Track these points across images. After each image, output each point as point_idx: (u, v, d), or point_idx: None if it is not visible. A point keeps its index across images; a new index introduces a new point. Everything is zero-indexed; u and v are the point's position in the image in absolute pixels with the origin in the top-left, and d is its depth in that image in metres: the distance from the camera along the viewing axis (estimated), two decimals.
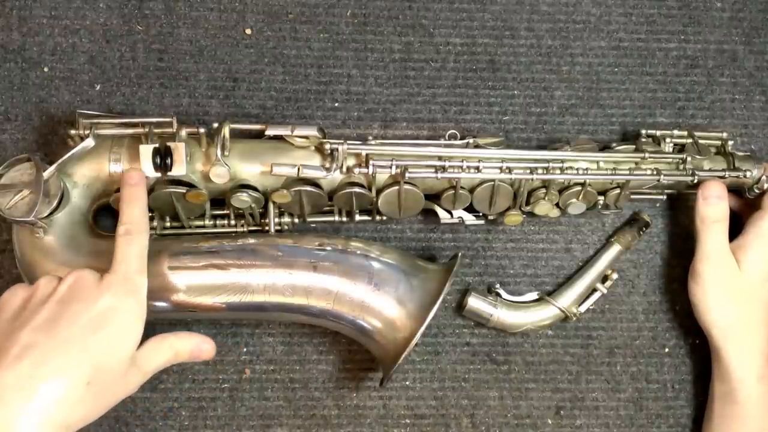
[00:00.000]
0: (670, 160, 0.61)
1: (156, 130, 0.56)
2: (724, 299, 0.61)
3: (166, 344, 0.52)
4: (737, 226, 0.63)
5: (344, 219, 0.63)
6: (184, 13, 0.66)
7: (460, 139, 0.62)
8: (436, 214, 0.62)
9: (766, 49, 0.69)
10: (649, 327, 0.67)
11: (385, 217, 0.62)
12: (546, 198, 0.61)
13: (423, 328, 0.55)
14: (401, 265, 0.58)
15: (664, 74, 0.69)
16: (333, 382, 0.65)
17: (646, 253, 0.68)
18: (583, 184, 0.60)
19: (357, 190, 0.58)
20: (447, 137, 0.63)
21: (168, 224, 0.61)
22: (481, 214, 0.63)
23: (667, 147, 0.63)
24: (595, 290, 0.66)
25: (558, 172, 0.60)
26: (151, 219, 0.59)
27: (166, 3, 0.66)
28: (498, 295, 0.65)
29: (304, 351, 0.65)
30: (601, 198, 0.62)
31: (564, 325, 0.67)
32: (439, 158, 0.58)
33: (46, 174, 0.53)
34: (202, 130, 0.56)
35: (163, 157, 0.55)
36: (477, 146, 0.61)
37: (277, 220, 0.61)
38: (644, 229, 0.66)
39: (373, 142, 0.59)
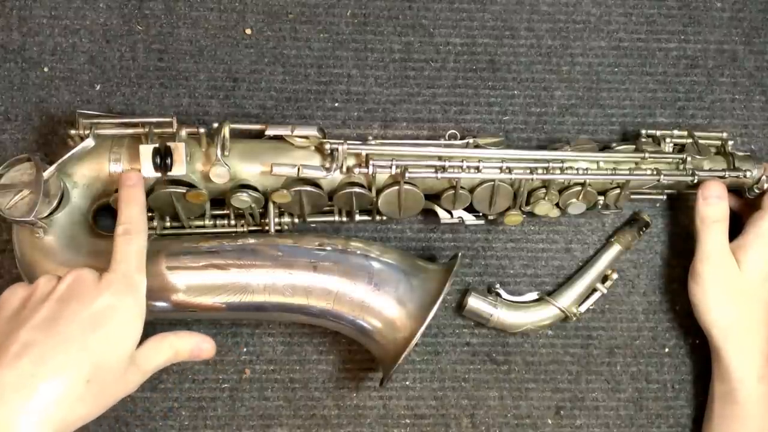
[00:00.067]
0: (670, 160, 0.61)
1: (156, 130, 0.56)
2: (724, 299, 0.61)
3: (166, 343, 0.52)
4: (737, 226, 0.63)
5: (344, 219, 0.63)
6: (184, 13, 0.66)
7: (460, 139, 0.62)
8: (436, 214, 0.62)
9: (766, 49, 0.69)
10: (649, 327, 0.67)
11: (385, 217, 0.62)
12: (546, 198, 0.61)
13: (423, 328, 0.55)
14: (401, 265, 0.58)
15: (664, 74, 0.69)
16: (333, 382, 0.65)
17: (646, 253, 0.68)
18: (583, 184, 0.60)
19: (357, 190, 0.58)
20: (447, 137, 0.63)
21: (168, 224, 0.61)
22: (481, 214, 0.63)
23: (667, 147, 0.63)
24: (595, 290, 0.66)
25: (558, 172, 0.60)
26: (151, 219, 0.60)
27: (166, 3, 0.66)
28: (498, 295, 0.65)
29: (304, 351, 0.65)
30: (601, 198, 0.62)
31: (564, 325, 0.67)
32: (439, 158, 0.58)
33: (46, 174, 0.53)
34: (202, 130, 0.56)
35: (163, 157, 0.55)
36: (477, 146, 0.61)
37: (277, 220, 0.61)
38: (644, 229, 0.66)
39: (373, 142, 0.59)
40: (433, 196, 0.61)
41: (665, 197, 0.66)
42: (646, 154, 0.61)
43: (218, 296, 0.55)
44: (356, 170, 0.57)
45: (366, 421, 0.65)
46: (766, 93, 0.69)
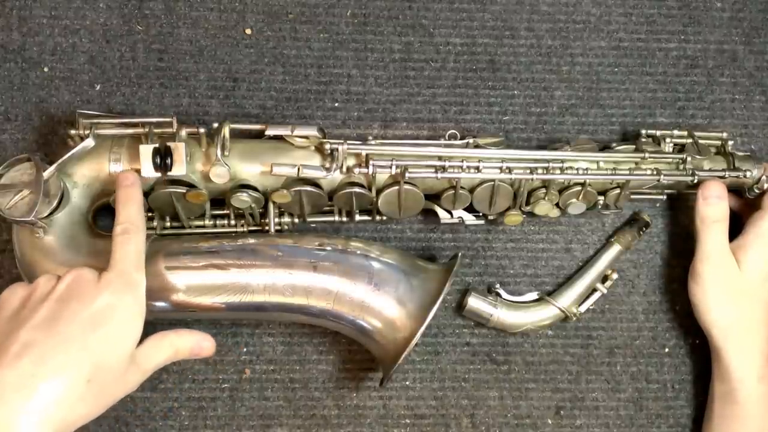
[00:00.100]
0: (670, 160, 0.61)
1: (156, 130, 0.56)
2: (724, 299, 0.61)
3: (167, 342, 0.52)
4: (737, 226, 0.63)
5: (344, 219, 0.63)
6: (184, 13, 0.66)
7: (460, 139, 0.62)
8: (436, 214, 0.62)
9: (766, 49, 0.69)
10: (649, 327, 0.67)
11: (385, 217, 0.62)
12: (546, 198, 0.61)
13: (423, 328, 0.55)
14: (401, 265, 0.58)
15: (664, 74, 0.69)
16: (333, 382, 0.65)
17: (646, 253, 0.68)
18: (583, 184, 0.60)
19: (357, 190, 0.58)
20: (447, 137, 0.63)
21: (168, 224, 0.61)
22: (481, 214, 0.63)
23: (667, 147, 0.63)
24: (595, 290, 0.66)
25: (558, 172, 0.60)
26: (151, 219, 0.60)
27: (166, 3, 0.66)
28: (498, 295, 0.65)
29: (304, 351, 0.65)
30: (601, 198, 0.62)
31: (564, 325, 0.67)
32: (439, 158, 0.58)
33: (46, 174, 0.53)
34: (202, 130, 0.56)
35: (163, 157, 0.55)
36: (477, 146, 0.61)
37: (277, 220, 0.61)
38: (644, 229, 0.66)
39: (373, 142, 0.59)
40: (433, 196, 0.61)
41: (665, 197, 0.66)
42: (646, 154, 0.61)
43: (218, 296, 0.55)
44: (356, 170, 0.57)
45: (366, 421, 0.65)
46: (766, 93, 0.69)
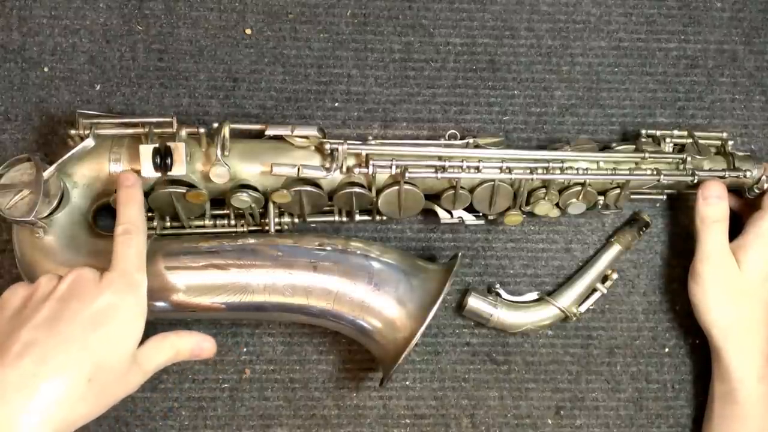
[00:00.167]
0: (670, 160, 0.61)
1: (156, 130, 0.56)
2: (724, 299, 0.61)
3: (167, 343, 0.52)
4: (737, 226, 0.63)
5: (344, 219, 0.63)
6: (184, 13, 0.66)
7: (460, 139, 0.62)
8: (436, 214, 0.62)
9: (766, 49, 0.69)
10: (649, 327, 0.67)
11: (385, 217, 0.62)
12: (546, 198, 0.61)
13: (423, 328, 0.55)
14: (401, 265, 0.58)
15: (664, 74, 0.69)
16: (333, 382, 0.65)
17: (646, 253, 0.68)
18: (583, 184, 0.60)
19: (357, 190, 0.58)
20: (447, 137, 0.63)
21: (168, 224, 0.61)
22: (481, 214, 0.63)
23: (667, 147, 0.63)
24: (595, 290, 0.66)
25: (558, 172, 0.60)
26: (151, 219, 0.60)
27: (166, 3, 0.66)
28: (498, 295, 0.65)
29: (304, 351, 0.65)
30: (601, 198, 0.62)
31: (564, 325, 0.67)
32: (439, 158, 0.58)
33: (46, 174, 0.53)
34: (202, 130, 0.56)
35: (163, 157, 0.55)
36: (477, 146, 0.61)
37: (277, 220, 0.61)
38: (644, 229, 0.66)
39: (373, 142, 0.59)
40: (433, 196, 0.61)
41: (665, 197, 0.66)
42: (646, 154, 0.61)
43: (218, 296, 0.55)
44: (356, 170, 0.57)
45: (366, 421, 0.65)
46: (766, 93, 0.69)
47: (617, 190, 0.62)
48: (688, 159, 0.61)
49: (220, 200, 0.59)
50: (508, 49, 0.68)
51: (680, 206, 0.68)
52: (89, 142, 0.56)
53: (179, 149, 0.55)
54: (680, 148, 0.64)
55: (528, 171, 0.59)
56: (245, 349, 0.65)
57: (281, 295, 0.56)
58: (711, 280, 0.61)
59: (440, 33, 0.67)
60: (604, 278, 0.66)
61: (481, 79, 0.67)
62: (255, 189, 0.58)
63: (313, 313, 0.56)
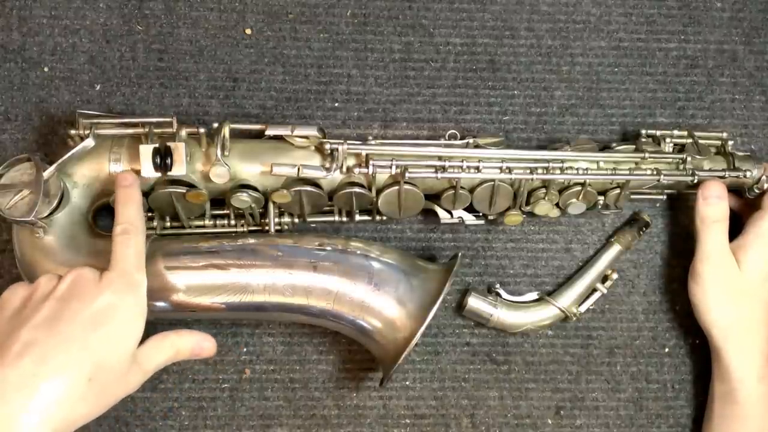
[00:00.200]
0: (670, 160, 0.61)
1: (156, 130, 0.56)
2: (724, 299, 0.61)
3: (167, 342, 0.52)
4: (737, 226, 0.63)
5: (344, 219, 0.63)
6: (184, 13, 0.66)
7: (460, 139, 0.62)
8: (436, 214, 0.62)
9: (766, 49, 0.69)
10: (649, 327, 0.67)
11: (385, 217, 0.62)
12: (546, 198, 0.61)
13: (423, 328, 0.55)
14: (401, 265, 0.58)
15: (664, 74, 0.69)
16: (333, 382, 0.65)
17: (646, 253, 0.68)
18: (583, 184, 0.60)
19: (357, 190, 0.58)
20: (447, 137, 0.63)
21: (168, 224, 0.61)
22: (481, 214, 0.63)
23: (667, 147, 0.63)
24: (595, 290, 0.66)
25: (558, 172, 0.60)
26: (151, 219, 0.60)
27: (166, 3, 0.66)
28: (498, 295, 0.65)
29: (304, 351, 0.65)
30: (601, 198, 0.62)
31: (564, 325, 0.67)
32: (439, 158, 0.58)
33: (46, 174, 0.53)
34: (202, 130, 0.56)
35: (163, 157, 0.55)
36: (477, 146, 0.61)
37: (277, 220, 0.61)
38: (644, 229, 0.66)
39: (373, 142, 0.59)
40: (433, 196, 0.61)
41: (665, 197, 0.66)
42: (646, 154, 0.61)
43: (218, 296, 0.55)
44: (356, 170, 0.57)
45: (366, 421, 0.65)
46: (766, 93, 0.69)
47: (617, 190, 0.62)
48: (688, 159, 0.61)
49: (220, 200, 0.59)
50: (508, 49, 0.68)
51: (680, 206, 0.68)
52: (89, 142, 0.56)
53: (179, 149, 0.55)
54: (680, 148, 0.64)
55: (528, 171, 0.59)
56: (245, 349, 0.65)
57: (281, 295, 0.56)
58: (711, 280, 0.61)
59: (440, 33, 0.67)
60: (604, 278, 0.66)
61: (481, 79, 0.67)
62: (255, 189, 0.58)
63: (313, 313, 0.56)
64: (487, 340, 0.66)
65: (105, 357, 0.48)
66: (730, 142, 0.64)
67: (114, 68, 0.65)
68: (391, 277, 0.57)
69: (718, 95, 0.69)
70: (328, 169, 0.57)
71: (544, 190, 0.61)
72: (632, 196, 0.65)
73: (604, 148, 0.64)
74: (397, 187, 0.58)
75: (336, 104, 0.66)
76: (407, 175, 0.57)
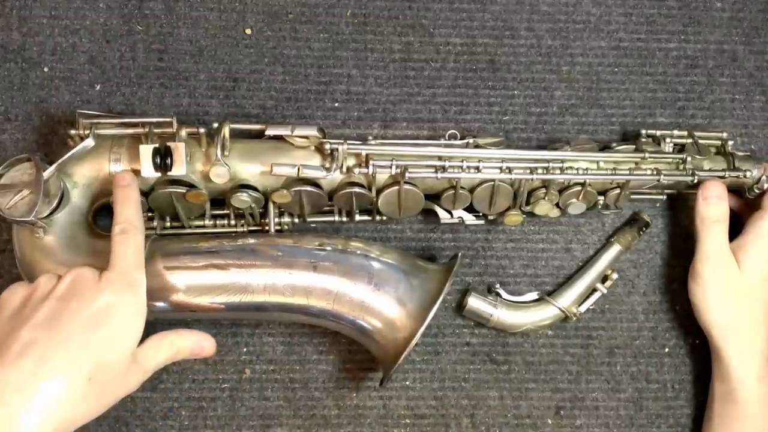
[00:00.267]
0: (670, 160, 0.61)
1: (156, 130, 0.56)
2: (724, 299, 0.61)
3: (167, 341, 0.52)
4: (737, 226, 0.63)
5: (344, 219, 0.63)
6: (184, 13, 0.66)
7: (460, 139, 0.62)
8: (436, 214, 0.62)
9: (766, 49, 0.69)
10: (649, 327, 0.67)
11: (385, 217, 0.62)
12: (546, 198, 0.61)
13: (423, 328, 0.55)
14: (401, 265, 0.58)
15: (664, 74, 0.69)
16: (333, 382, 0.65)
17: (646, 253, 0.68)
18: (583, 184, 0.60)
19: (357, 190, 0.58)
20: (447, 137, 0.63)
21: (168, 224, 0.61)
22: (481, 214, 0.63)
23: (667, 147, 0.63)
24: (595, 290, 0.66)
25: (558, 172, 0.60)
26: (151, 219, 0.60)
27: (166, 3, 0.66)
28: (498, 295, 0.65)
29: (304, 351, 0.65)
30: (601, 198, 0.62)
31: (564, 325, 0.67)
32: (439, 158, 0.58)
33: (46, 174, 0.53)
34: (202, 130, 0.56)
35: (163, 157, 0.55)
36: (477, 146, 0.61)
37: (277, 220, 0.61)
38: (644, 229, 0.66)
39: (373, 142, 0.59)
40: (433, 196, 0.61)
41: (665, 197, 0.66)
42: (646, 154, 0.61)
43: (218, 296, 0.55)
44: (356, 170, 0.57)
45: (366, 421, 0.65)
46: (766, 93, 0.69)
47: (617, 190, 0.62)
48: (688, 159, 0.61)
49: (220, 200, 0.59)
50: (508, 49, 0.68)
51: (680, 206, 0.68)
52: (89, 142, 0.56)
53: (179, 149, 0.55)
54: (680, 148, 0.64)
55: (528, 171, 0.59)
56: (245, 349, 0.65)
57: (281, 295, 0.56)
58: (711, 280, 0.61)
59: (440, 33, 0.67)
60: (604, 278, 0.66)
61: (481, 79, 0.67)
62: (255, 189, 0.58)
63: (313, 313, 0.56)
64: (487, 340, 0.66)
65: (105, 356, 0.48)
66: (730, 142, 0.64)
67: (114, 68, 0.65)
68: (391, 277, 0.57)
69: (718, 95, 0.69)
70: (328, 169, 0.57)
71: (544, 190, 0.61)
72: (632, 196, 0.65)
73: (604, 148, 0.64)
74: (397, 187, 0.58)
75: (336, 104, 0.66)
76: (407, 175, 0.57)
